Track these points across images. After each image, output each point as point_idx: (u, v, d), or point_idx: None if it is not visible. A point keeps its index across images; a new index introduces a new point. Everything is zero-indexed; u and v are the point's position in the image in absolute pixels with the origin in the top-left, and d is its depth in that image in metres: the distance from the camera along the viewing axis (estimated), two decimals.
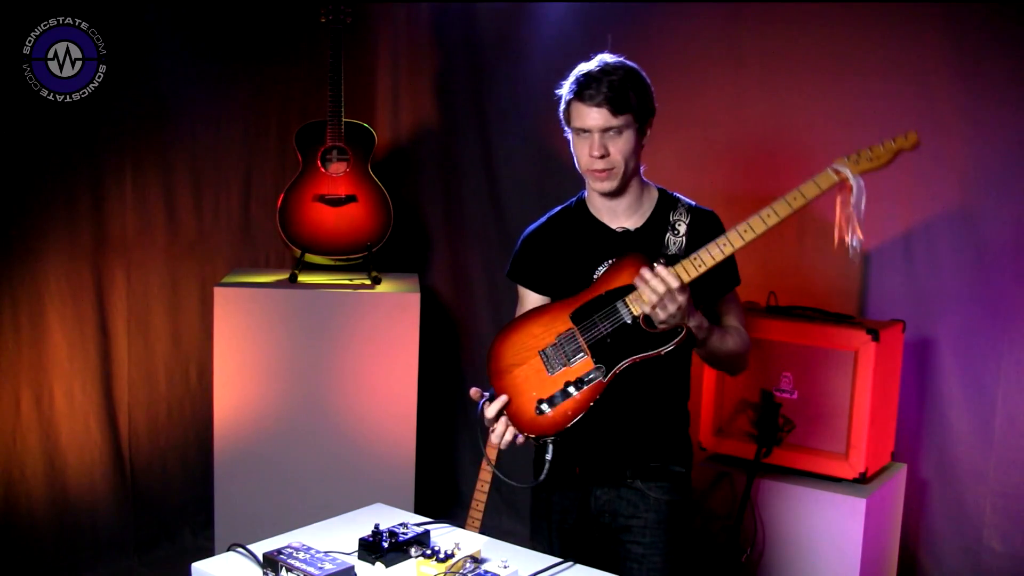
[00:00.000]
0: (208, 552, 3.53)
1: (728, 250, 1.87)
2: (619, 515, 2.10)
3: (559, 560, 1.85)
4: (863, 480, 2.82)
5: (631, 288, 1.90)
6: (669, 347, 1.90)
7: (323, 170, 3.57)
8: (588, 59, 2.03)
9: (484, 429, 1.99)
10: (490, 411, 1.93)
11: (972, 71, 3.01)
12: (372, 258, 3.60)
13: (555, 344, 1.94)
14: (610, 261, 2.00)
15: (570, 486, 2.12)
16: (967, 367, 3.09)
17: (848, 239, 1.87)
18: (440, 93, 4.37)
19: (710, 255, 1.87)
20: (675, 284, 1.83)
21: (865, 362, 2.78)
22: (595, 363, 1.91)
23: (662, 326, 1.87)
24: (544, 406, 1.91)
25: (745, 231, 1.85)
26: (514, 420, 1.92)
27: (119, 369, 3.69)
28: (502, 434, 1.92)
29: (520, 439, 1.93)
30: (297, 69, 4.13)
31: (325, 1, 3.59)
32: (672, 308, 1.84)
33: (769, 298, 3.15)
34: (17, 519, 3.42)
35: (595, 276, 2.02)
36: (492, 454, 2.56)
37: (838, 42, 3.25)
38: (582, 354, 1.92)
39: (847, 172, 1.84)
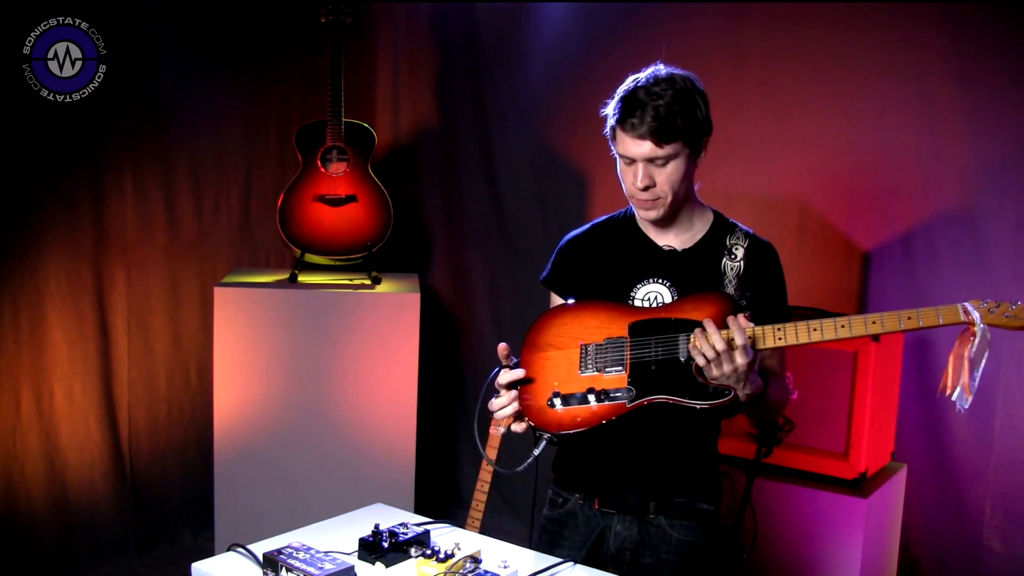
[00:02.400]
0: (208, 552, 3.53)
1: (816, 336, 1.72)
2: (636, 554, 1.96)
3: (559, 560, 1.84)
4: (863, 480, 2.82)
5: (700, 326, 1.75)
6: (705, 405, 1.75)
7: (323, 170, 3.57)
8: (639, 71, 1.87)
9: (483, 425, 1.92)
10: (504, 378, 1.83)
11: (972, 71, 3.01)
12: (372, 258, 3.59)
13: (601, 345, 1.83)
14: (661, 280, 1.92)
15: (585, 522, 2.00)
16: None
17: (952, 389, 1.71)
18: (440, 93, 4.37)
19: (796, 334, 1.72)
20: (740, 341, 1.68)
21: (865, 362, 2.78)
22: (628, 383, 1.79)
23: (713, 381, 1.74)
24: (557, 401, 1.81)
25: (842, 327, 1.71)
26: (522, 400, 1.84)
27: (119, 369, 3.69)
28: (503, 406, 1.83)
29: (516, 427, 1.85)
30: (297, 69, 4.13)
31: (325, 1, 3.59)
32: (727, 369, 1.70)
33: None
34: (17, 519, 3.42)
35: (632, 293, 1.92)
36: (492, 454, 2.56)
37: (838, 42, 3.24)
38: (620, 368, 1.80)
39: (976, 317, 1.68)
